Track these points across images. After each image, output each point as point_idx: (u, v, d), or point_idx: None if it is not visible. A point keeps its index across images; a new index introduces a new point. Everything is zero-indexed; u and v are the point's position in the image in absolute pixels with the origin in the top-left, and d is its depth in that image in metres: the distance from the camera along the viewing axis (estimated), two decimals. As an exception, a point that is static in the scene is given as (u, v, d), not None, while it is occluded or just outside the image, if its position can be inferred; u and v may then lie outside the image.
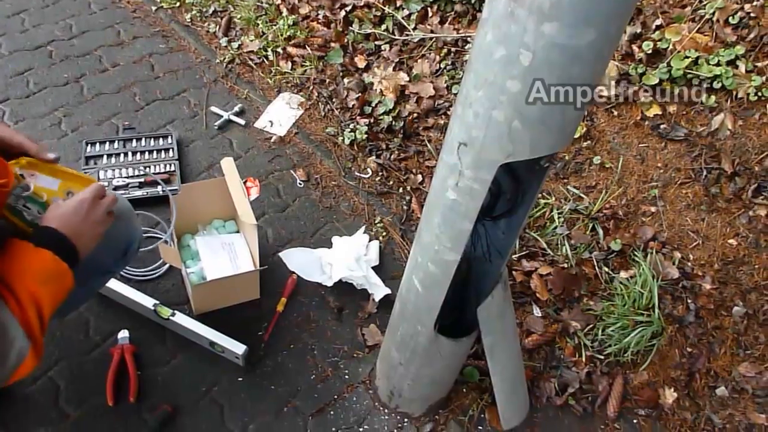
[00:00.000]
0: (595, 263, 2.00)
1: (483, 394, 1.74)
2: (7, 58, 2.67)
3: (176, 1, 3.10)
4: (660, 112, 2.16)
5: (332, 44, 2.74)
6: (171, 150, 2.31)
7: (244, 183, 1.81)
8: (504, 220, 1.24)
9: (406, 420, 1.68)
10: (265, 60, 2.78)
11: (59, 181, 1.21)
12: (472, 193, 0.96)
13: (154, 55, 2.82)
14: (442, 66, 2.56)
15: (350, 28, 2.75)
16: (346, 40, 2.73)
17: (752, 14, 2.09)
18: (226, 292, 1.82)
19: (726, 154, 2.04)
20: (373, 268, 2.00)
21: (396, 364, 1.50)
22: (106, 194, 1.19)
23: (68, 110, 2.46)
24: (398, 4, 2.74)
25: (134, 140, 2.33)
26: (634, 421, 1.74)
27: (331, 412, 1.68)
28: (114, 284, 1.76)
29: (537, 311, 1.93)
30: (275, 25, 2.85)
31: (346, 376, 1.76)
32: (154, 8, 3.08)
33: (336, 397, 1.71)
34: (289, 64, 2.72)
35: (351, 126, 2.44)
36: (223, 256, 1.85)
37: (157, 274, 1.91)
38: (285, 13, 2.90)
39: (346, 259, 1.95)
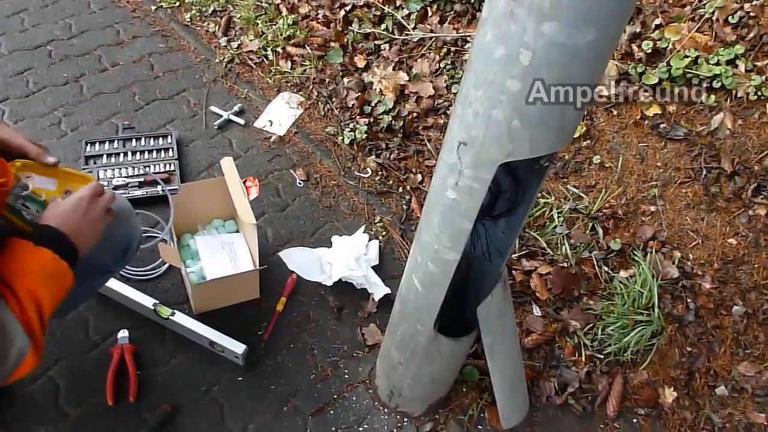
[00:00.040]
0: (595, 262, 2.00)
1: (483, 393, 1.74)
2: (6, 57, 2.66)
3: (176, 1, 3.09)
4: (659, 112, 2.16)
5: (332, 44, 2.74)
6: (171, 149, 2.31)
7: (244, 182, 1.81)
8: (504, 219, 1.24)
9: (405, 419, 1.68)
10: (264, 59, 2.78)
11: (56, 181, 1.21)
12: (471, 192, 0.96)
13: (153, 54, 2.82)
14: (442, 65, 2.56)
15: (350, 27, 2.75)
16: (345, 40, 2.73)
17: (752, 13, 2.09)
18: (225, 292, 1.82)
19: (726, 154, 2.04)
20: (372, 267, 2.00)
21: (396, 363, 1.50)
22: (104, 192, 1.19)
23: (68, 110, 2.46)
24: (398, 4, 2.74)
25: (134, 140, 2.33)
26: (634, 420, 1.75)
27: (331, 412, 1.68)
28: (114, 284, 1.76)
29: (537, 310, 1.93)
30: (275, 25, 2.85)
31: (346, 376, 1.76)
32: (153, 8, 3.08)
33: (336, 396, 1.72)
34: (289, 63, 2.72)
35: (351, 125, 2.44)
36: (223, 256, 1.85)
37: (156, 274, 1.91)
38: (284, 12, 2.90)
39: (345, 258, 1.95)
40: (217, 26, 2.95)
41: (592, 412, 1.75)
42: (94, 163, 2.23)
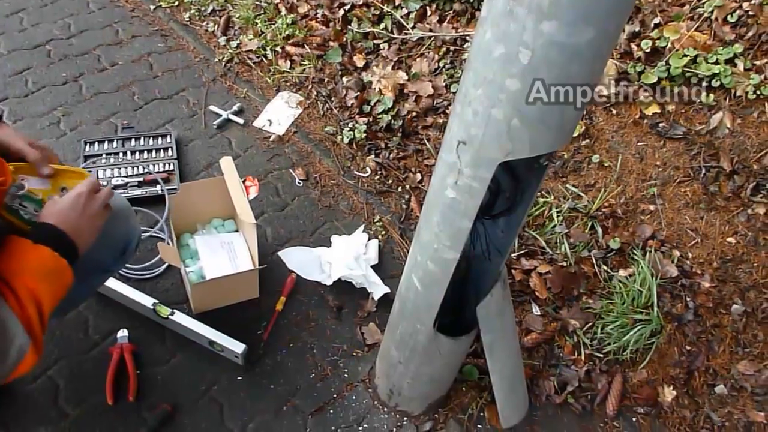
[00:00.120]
0: (594, 262, 2.00)
1: (482, 392, 1.74)
2: (5, 57, 2.66)
3: (175, 0, 3.09)
4: (659, 111, 2.16)
5: (331, 43, 2.74)
6: (170, 149, 2.31)
7: (243, 182, 1.81)
8: (503, 218, 1.24)
9: (405, 418, 1.68)
10: (263, 59, 2.78)
11: (51, 180, 1.21)
12: (471, 191, 0.96)
13: (152, 54, 2.82)
14: (441, 65, 2.56)
15: (349, 27, 2.75)
16: (344, 39, 2.73)
17: (750, 12, 2.09)
18: (225, 291, 1.82)
19: (725, 153, 2.04)
20: (372, 266, 2.00)
21: (395, 362, 1.50)
22: (100, 188, 1.19)
23: (67, 109, 2.46)
24: (397, 3, 2.74)
25: (133, 139, 2.33)
26: (633, 419, 1.75)
27: (331, 411, 1.68)
28: (113, 283, 1.76)
29: (536, 310, 1.93)
30: (274, 24, 2.85)
31: (346, 375, 1.76)
32: (152, 7, 3.08)
33: (335, 395, 1.72)
34: (288, 63, 2.72)
35: (350, 125, 2.44)
36: (222, 255, 1.85)
37: (155, 273, 1.91)
38: (284, 12, 2.90)
39: (345, 257, 1.95)
40: (216, 26, 2.95)
41: (592, 410, 1.75)
42: (94, 162, 2.23)
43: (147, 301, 1.75)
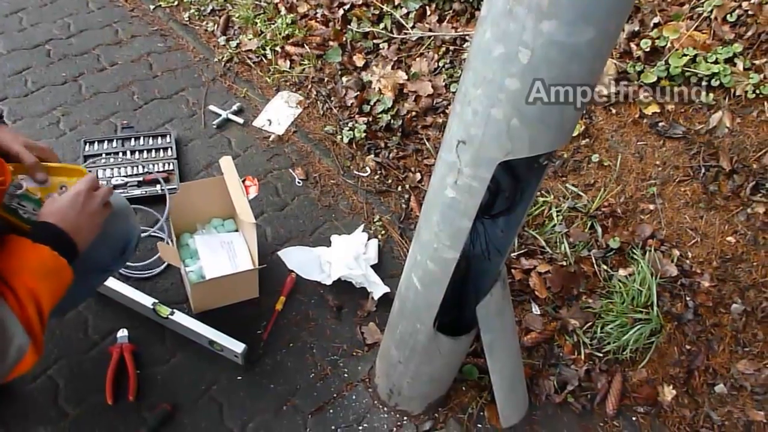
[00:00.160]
0: (594, 261, 2.00)
1: (482, 392, 1.74)
2: (5, 57, 2.66)
3: (174, 0, 3.09)
4: (658, 110, 2.16)
5: (331, 43, 2.74)
6: (169, 149, 2.31)
7: (243, 182, 1.82)
8: (503, 218, 1.24)
9: (405, 418, 1.69)
10: (263, 59, 2.78)
11: (49, 178, 1.21)
12: (471, 191, 0.96)
13: (152, 53, 2.82)
14: (441, 64, 2.56)
15: (349, 26, 2.75)
16: (344, 39, 2.73)
17: (750, 12, 2.09)
18: (225, 291, 1.82)
19: (724, 152, 2.04)
20: (372, 266, 2.00)
21: (395, 362, 1.50)
22: (99, 185, 1.19)
23: (66, 109, 2.46)
24: (396, 3, 2.73)
25: (133, 139, 2.33)
26: (633, 418, 1.75)
27: (331, 411, 1.68)
28: (113, 283, 1.76)
29: (536, 309, 1.93)
30: (273, 24, 2.85)
31: (346, 375, 1.76)
32: (152, 7, 3.08)
33: (335, 395, 1.72)
34: (288, 62, 2.72)
35: (349, 124, 2.44)
36: (222, 255, 1.85)
37: (155, 273, 1.91)
38: (283, 11, 2.90)
39: (345, 257, 1.95)
40: (216, 25, 2.95)
41: (592, 410, 1.75)
42: (93, 162, 2.23)
43: (147, 300, 1.75)
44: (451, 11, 2.67)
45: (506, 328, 1.42)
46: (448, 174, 0.97)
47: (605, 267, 1.98)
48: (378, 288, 1.93)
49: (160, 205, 2.09)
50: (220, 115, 2.51)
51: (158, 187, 2.12)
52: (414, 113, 2.45)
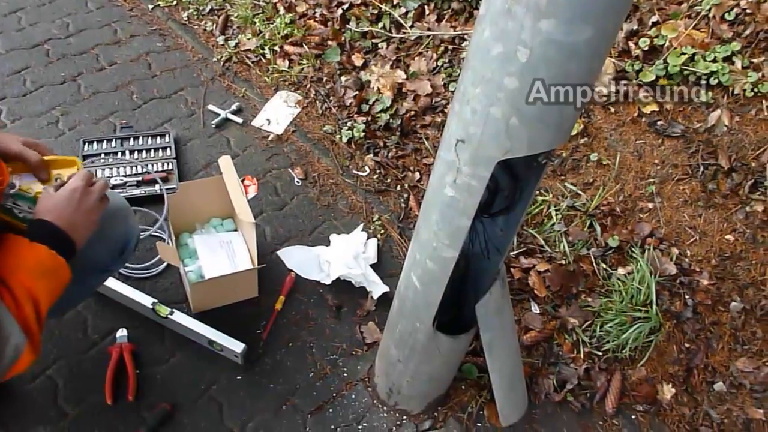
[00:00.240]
0: (593, 260, 2.00)
1: (482, 390, 1.74)
2: (3, 56, 2.66)
3: (173, 0, 3.09)
4: (657, 109, 2.16)
5: (329, 42, 2.74)
6: (168, 149, 2.31)
7: (242, 181, 1.81)
8: (502, 216, 1.24)
9: (405, 417, 1.69)
10: (262, 58, 2.78)
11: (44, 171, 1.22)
12: (470, 189, 0.96)
13: (151, 53, 2.82)
14: (440, 63, 2.55)
15: (347, 26, 2.75)
16: (343, 38, 2.73)
17: (748, 10, 2.09)
18: (224, 291, 1.82)
19: (723, 150, 2.05)
20: (371, 265, 2.00)
21: (395, 361, 1.50)
22: (94, 180, 1.18)
23: (65, 109, 2.46)
24: (395, 2, 2.73)
25: (131, 139, 2.33)
26: (633, 416, 1.75)
27: (330, 410, 1.68)
28: (112, 283, 1.76)
29: (535, 308, 1.93)
30: (272, 24, 2.85)
31: (345, 374, 1.77)
32: (150, 6, 3.08)
33: (335, 394, 1.72)
34: (287, 62, 2.72)
35: (348, 124, 2.44)
36: (221, 255, 1.85)
37: (155, 273, 1.91)
38: (282, 11, 2.90)
39: (344, 257, 1.95)
40: (215, 25, 2.95)
41: (591, 408, 1.76)
42: (92, 162, 2.22)
43: (146, 300, 1.75)
44: (449, 10, 2.67)
45: (505, 326, 1.42)
46: (447, 173, 0.97)
47: (604, 266, 1.98)
48: (377, 287, 1.93)
49: (159, 205, 2.09)
50: (219, 115, 2.51)
51: (157, 186, 2.12)
52: (413, 112, 2.45)
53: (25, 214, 1.14)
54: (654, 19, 2.21)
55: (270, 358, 1.76)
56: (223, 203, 1.85)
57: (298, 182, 2.30)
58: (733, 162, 2.03)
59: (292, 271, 1.95)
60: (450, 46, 2.58)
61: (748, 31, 2.08)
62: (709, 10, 2.13)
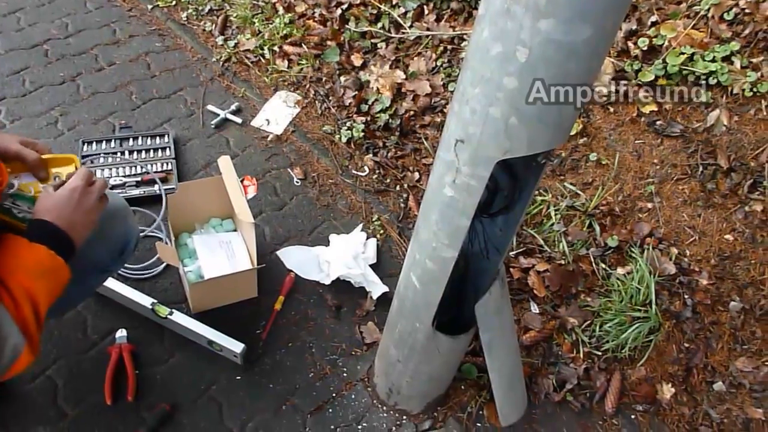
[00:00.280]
0: (592, 260, 2.00)
1: (481, 390, 1.74)
2: (3, 57, 2.66)
3: (172, 0, 3.09)
4: (656, 109, 2.16)
5: (328, 42, 2.74)
6: (168, 149, 2.31)
7: (242, 181, 1.81)
8: (501, 216, 1.24)
9: (404, 417, 1.69)
10: (261, 58, 2.78)
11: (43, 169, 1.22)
12: (469, 189, 0.96)
13: (150, 53, 2.82)
14: (439, 63, 2.56)
15: (346, 26, 2.75)
16: (342, 39, 2.73)
17: (747, 10, 2.10)
18: (223, 291, 1.82)
19: (722, 150, 2.05)
20: (370, 265, 2.00)
21: (394, 361, 1.50)
22: (94, 179, 1.18)
23: (64, 109, 2.46)
24: (394, 2, 2.73)
25: (131, 139, 2.33)
26: (632, 416, 1.75)
27: (330, 410, 1.68)
28: (111, 283, 1.76)
29: (534, 308, 1.93)
30: (271, 24, 2.85)
31: (345, 374, 1.77)
32: (150, 7, 3.08)
33: (334, 394, 1.72)
34: (286, 62, 2.72)
35: (348, 124, 2.44)
36: (221, 255, 1.85)
37: (154, 273, 1.91)
38: (281, 11, 2.90)
39: (343, 257, 1.95)
40: (214, 25, 2.95)
41: (591, 408, 1.76)
42: (91, 162, 2.22)
43: (145, 300, 1.75)
44: (449, 10, 2.67)
45: (505, 326, 1.42)
46: (447, 173, 0.97)
47: (603, 265, 1.99)
48: (377, 287, 1.93)
49: (158, 205, 2.08)
50: (219, 115, 2.51)
51: (156, 187, 2.12)
52: (412, 112, 2.45)
53: (24, 214, 1.14)
54: (653, 18, 2.21)
55: (269, 359, 1.76)
56: (222, 203, 1.85)
57: (297, 182, 2.30)
58: (732, 162, 2.03)
59: (291, 271, 1.95)
60: (449, 46, 2.58)
61: (747, 31, 2.08)
62: (708, 9, 2.13)
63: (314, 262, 1.98)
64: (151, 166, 2.22)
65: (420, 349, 1.38)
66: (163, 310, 1.72)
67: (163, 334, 1.77)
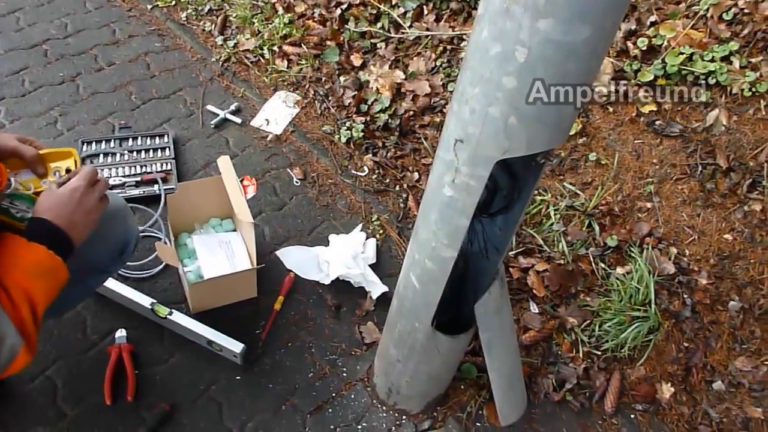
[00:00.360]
0: (592, 259, 2.00)
1: (481, 390, 1.74)
2: (2, 57, 2.66)
3: (172, 0, 3.09)
4: (655, 109, 2.16)
5: (328, 42, 2.74)
6: (167, 149, 2.31)
7: (241, 181, 1.81)
8: (501, 216, 1.24)
9: (404, 417, 1.69)
10: (261, 58, 2.78)
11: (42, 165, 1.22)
12: (468, 189, 0.96)
13: (149, 53, 2.82)
14: (438, 63, 2.56)
15: (346, 26, 2.75)
16: (341, 39, 2.73)
17: (746, 10, 2.10)
18: (223, 291, 1.82)
19: (721, 150, 2.05)
20: (370, 265, 2.00)
21: (394, 361, 1.50)
22: (97, 178, 1.18)
23: (64, 109, 2.46)
24: (394, 2, 2.74)
25: (130, 139, 2.33)
26: (632, 416, 1.75)
27: (330, 410, 1.68)
28: (111, 283, 1.76)
29: (534, 307, 1.94)
30: (271, 24, 2.85)
31: (344, 374, 1.77)
32: (149, 7, 3.08)
33: (334, 394, 1.72)
34: (285, 62, 2.72)
35: (347, 124, 2.44)
36: (220, 255, 1.85)
37: (153, 273, 1.91)
38: (281, 11, 2.90)
39: (343, 257, 1.95)
40: (214, 25, 2.95)
41: (590, 408, 1.76)
42: (91, 162, 2.22)
43: (145, 300, 1.75)
44: (448, 10, 2.68)
45: (504, 326, 1.42)
46: (446, 173, 0.97)
47: (603, 265, 1.99)
48: (376, 287, 1.93)
49: (158, 205, 2.09)
50: (218, 115, 2.51)
51: (156, 187, 2.12)
52: (412, 112, 2.46)
53: (22, 213, 1.14)
54: (652, 18, 2.21)
55: (269, 358, 1.76)
56: (222, 203, 1.85)
57: (296, 182, 2.30)
58: (732, 161, 2.03)
59: (291, 271, 1.95)
60: (449, 46, 2.58)
61: (746, 31, 2.08)
62: (707, 9, 2.13)
63: (314, 262, 1.98)
64: (151, 166, 2.22)
65: (419, 349, 1.39)
66: (163, 310, 1.72)
67: (162, 334, 1.77)
